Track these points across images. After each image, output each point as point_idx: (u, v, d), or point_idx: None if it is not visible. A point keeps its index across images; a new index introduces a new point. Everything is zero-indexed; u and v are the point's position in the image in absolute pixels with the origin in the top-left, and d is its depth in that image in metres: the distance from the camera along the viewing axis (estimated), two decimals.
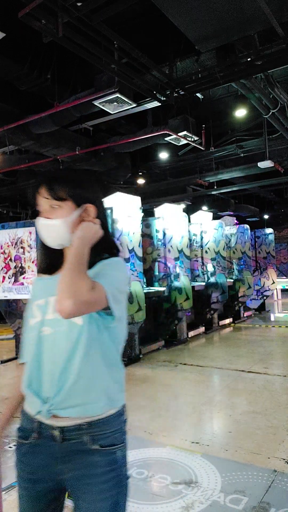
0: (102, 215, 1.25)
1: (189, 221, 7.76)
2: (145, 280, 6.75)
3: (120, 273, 1.18)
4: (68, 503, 2.17)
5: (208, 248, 8.58)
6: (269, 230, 11.25)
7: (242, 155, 8.02)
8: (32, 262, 6.28)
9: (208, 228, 8.63)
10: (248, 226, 10.08)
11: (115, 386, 1.19)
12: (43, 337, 1.16)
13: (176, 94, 5.21)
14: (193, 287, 7.37)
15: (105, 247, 1.23)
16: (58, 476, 1.18)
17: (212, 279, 8.43)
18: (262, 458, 2.87)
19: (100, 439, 1.14)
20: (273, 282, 11.02)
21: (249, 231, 10.11)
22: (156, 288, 7.03)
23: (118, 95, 4.70)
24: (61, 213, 1.19)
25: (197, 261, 8.53)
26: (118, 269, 1.19)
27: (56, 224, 1.18)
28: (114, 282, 1.12)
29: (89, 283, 1.04)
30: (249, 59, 4.60)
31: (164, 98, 5.25)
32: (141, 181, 10.02)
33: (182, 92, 5.22)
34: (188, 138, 6.33)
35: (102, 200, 1.29)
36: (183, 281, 7.07)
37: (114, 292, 1.10)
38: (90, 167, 8.03)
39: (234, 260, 9.87)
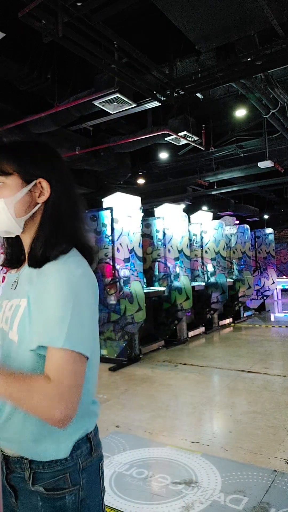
0: (60, 194, 0.99)
1: (189, 221, 7.76)
2: (145, 280, 6.76)
3: (69, 297, 0.87)
4: None
5: (208, 248, 8.58)
6: (269, 230, 11.25)
7: (242, 155, 8.02)
8: None
9: (208, 228, 8.63)
10: (248, 226, 10.08)
11: (62, 434, 0.93)
12: None
13: (176, 94, 5.21)
14: (193, 287, 7.37)
15: (55, 235, 0.97)
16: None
17: (212, 279, 8.43)
18: (262, 458, 2.87)
19: (42, 479, 0.92)
20: (273, 282, 11.02)
21: (249, 231, 10.11)
22: (156, 288, 7.04)
23: (118, 95, 4.70)
24: (6, 192, 0.96)
25: (197, 261, 8.53)
26: (65, 291, 0.87)
27: None
28: (66, 318, 0.85)
29: (40, 385, 0.82)
30: (249, 59, 4.59)
31: (164, 98, 5.25)
32: (141, 181, 10.02)
33: (182, 92, 5.22)
34: (188, 138, 6.33)
35: (61, 176, 1.01)
36: (183, 281, 7.08)
37: (77, 334, 0.86)
38: (90, 167, 8.03)
39: (234, 260, 9.87)
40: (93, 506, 0.97)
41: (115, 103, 4.94)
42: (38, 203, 0.98)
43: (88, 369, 0.92)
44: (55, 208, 0.98)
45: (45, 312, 0.87)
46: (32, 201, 0.98)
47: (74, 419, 0.87)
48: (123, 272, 5.78)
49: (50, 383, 0.82)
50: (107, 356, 5.88)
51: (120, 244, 5.84)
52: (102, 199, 6.23)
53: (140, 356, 6.08)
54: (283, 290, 13.49)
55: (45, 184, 0.98)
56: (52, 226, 0.97)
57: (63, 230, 0.98)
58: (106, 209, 6.00)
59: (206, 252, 8.58)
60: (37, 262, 0.94)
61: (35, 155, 0.99)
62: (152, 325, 7.07)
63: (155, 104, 5.59)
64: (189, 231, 7.54)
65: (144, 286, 6.26)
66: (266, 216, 15.25)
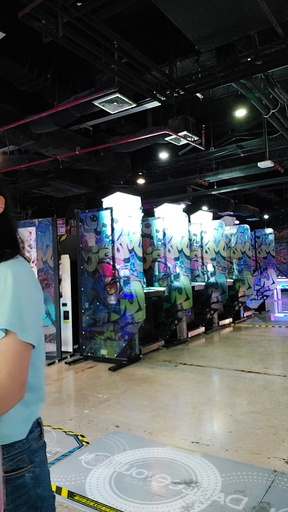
0: (9, 209, 1.15)
1: (189, 221, 7.76)
2: (145, 280, 6.76)
3: (23, 292, 1.01)
4: (69, 504, 2.19)
5: (208, 248, 8.58)
6: (269, 230, 11.26)
7: (242, 155, 8.02)
8: (32, 262, 6.28)
9: (208, 228, 8.63)
10: (248, 226, 10.08)
11: (20, 416, 1.07)
12: None
13: (176, 94, 5.21)
14: (193, 287, 7.37)
15: (6, 242, 1.12)
16: None
17: (212, 279, 8.43)
18: (262, 458, 2.87)
19: (2, 464, 1.03)
20: (273, 282, 11.02)
21: (249, 231, 10.11)
22: (156, 288, 7.04)
23: (118, 95, 4.70)
24: None
25: (197, 261, 8.53)
26: (17, 287, 1.01)
27: None
28: (18, 309, 0.98)
29: None
30: (249, 59, 4.59)
31: (164, 98, 5.26)
32: (141, 181, 10.02)
33: (182, 92, 5.22)
34: (188, 138, 6.33)
35: (4, 188, 1.17)
36: (183, 281, 7.08)
37: (21, 323, 0.98)
38: (90, 167, 8.04)
39: (234, 260, 9.87)
40: (45, 480, 1.13)
41: (115, 103, 4.94)
42: None
43: (37, 356, 1.07)
44: (7, 221, 1.13)
45: (2, 306, 0.99)
46: None
47: (31, 404, 1.08)
48: (123, 272, 5.78)
49: (4, 379, 0.92)
50: (107, 356, 5.88)
51: (120, 244, 5.84)
52: (102, 199, 6.23)
53: (140, 356, 6.08)
54: (283, 290, 13.49)
55: (0, 200, 1.11)
56: (3, 236, 1.12)
57: (12, 239, 1.13)
58: (106, 209, 6.00)
59: (206, 252, 8.58)
60: None
61: None
62: (152, 325, 7.07)
63: (155, 104, 5.59)
64: (189, 231, 7.54)
65: (144, 286, 6.26)
66: (266, 216, 15.25)
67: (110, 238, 5.91)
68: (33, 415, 1.11)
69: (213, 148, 7.69)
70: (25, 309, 1.00)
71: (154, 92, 5.18)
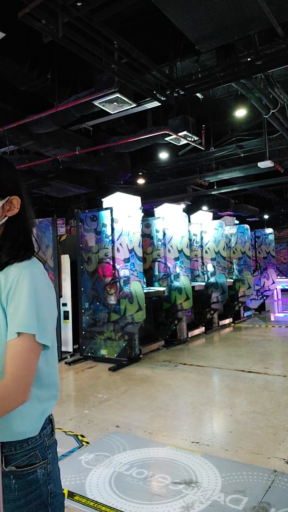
0: (25, 210, 1.14)
1: (189, 221, 7.76)
2: (145, 280, 6.76)
3: (39, 293, 1.02)
4: (69, 504, 2.20)
5: (208, 248, 8.59)
6: (269, 230, 11.26)
7: (242, 155, 8.01)
8: None
9: (208, 228, 8.63)
10: (248, 226, 10.08)
11: (35, 413, 1.08)
12: None
13: (176, 94, 5.21)
14: (193, 287, 7.37)
15: (21, 244, 1.11)
16: None
17: (212, 279, 8.43)
18: (262, 458, 2.87)
19: (14, 459, 1.05)
20: (273, 282, 11.02)
21: (249, 231, 10.11)
22: (156, 288, 7.04)
23: (118, 95, 4.70)
24: None
25: (197, 261, 8.53)
26: (33, 288, 1.02)
27: None
28: (34, 310, 1.00)
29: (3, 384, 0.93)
30: (249, 59, 4.59)
31: (164, 98, 5.25)
32: (141, 181, 10.02)
33: (182, 92, 5.22)
34: (188, 138, 6.33)
35: (24, 193, 1.15)
36: (183, 281, 7.08)
37: (39, 325, 0.99)
38: (90, 167, 8.04)
39: (234, 260, 9.87)
40: (56, 477, 1.15)
41: (115, 103, 4.94)
42: (6, 216, 1.11)
43: (51, 355, 1.11)
44: (23, 222, 1.13)
45: (18, 308, 1.00)
46: (2, 214, 1.10)
47: (45, 401, 1.09)
48: (123, 272, 5.78)
49: (8, 380, 0.94)
50: (107, 356, 5.88)
51: (120, 244, 5.84)
52: (102, 199, 6.23)
53: (140, 356, 6.08)
54: (283, 290, 13.50)
55: (16, 201, 1.11)
56: (19, 237, 1.11)
57: (27, 241, 1.13)
58: (106, 209, 6.00)
59: (206, 252, 8.59)
60: (1, 267, 1.07)
61: (9, 174, 1.11)
62: (152, 325, 7.07)
63: (155, 104, 5.59)
64: (189, 231, 7.54)
65: (144, 286, 6.26)
66: (266, 216, 15.25)
67: (110, 238, 5.91)
68: (46, 412, 1.12)
69: (213, 148, 7.68)
70: (41, 311, 1.02)
71: (154, 92, 5.18)
